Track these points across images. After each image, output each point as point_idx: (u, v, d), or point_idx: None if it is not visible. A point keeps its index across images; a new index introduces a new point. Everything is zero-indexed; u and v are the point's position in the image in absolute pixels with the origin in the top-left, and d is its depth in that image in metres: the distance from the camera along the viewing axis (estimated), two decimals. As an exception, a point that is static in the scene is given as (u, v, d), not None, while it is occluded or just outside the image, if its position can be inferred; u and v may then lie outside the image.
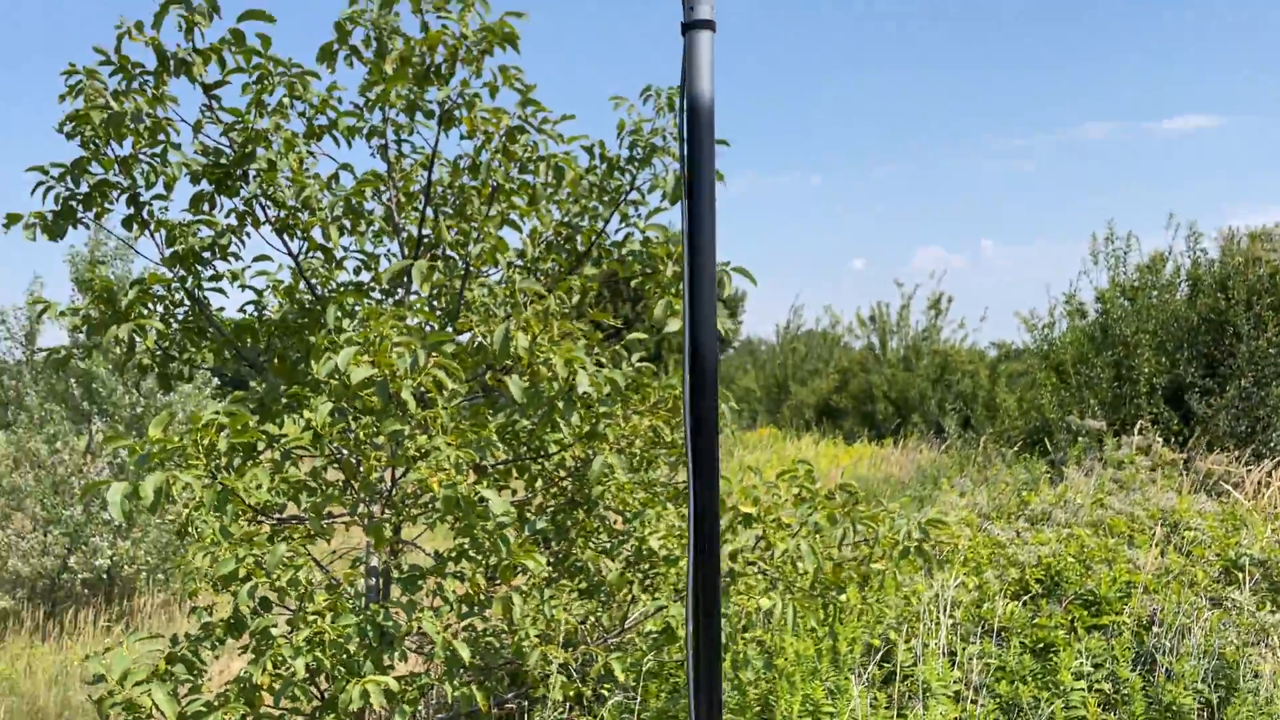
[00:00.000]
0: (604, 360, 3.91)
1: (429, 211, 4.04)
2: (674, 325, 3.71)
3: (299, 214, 3.92)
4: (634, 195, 4.24)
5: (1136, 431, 9.28)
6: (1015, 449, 11.52)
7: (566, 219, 4.34)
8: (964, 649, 4.13)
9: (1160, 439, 9.06)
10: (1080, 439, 10.18)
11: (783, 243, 50.81)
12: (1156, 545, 5.22)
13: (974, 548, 5.36)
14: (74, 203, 3.81)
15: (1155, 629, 4.28)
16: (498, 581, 3.54)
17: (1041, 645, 4.24)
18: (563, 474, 4.25)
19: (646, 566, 4.04)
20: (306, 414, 3.29)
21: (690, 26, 1.55)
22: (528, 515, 4.06)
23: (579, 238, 4.37)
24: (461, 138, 3.93)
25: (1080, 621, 4.44)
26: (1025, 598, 4.77)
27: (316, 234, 3.99)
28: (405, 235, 4.13)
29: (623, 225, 4.28)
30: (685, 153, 1.55)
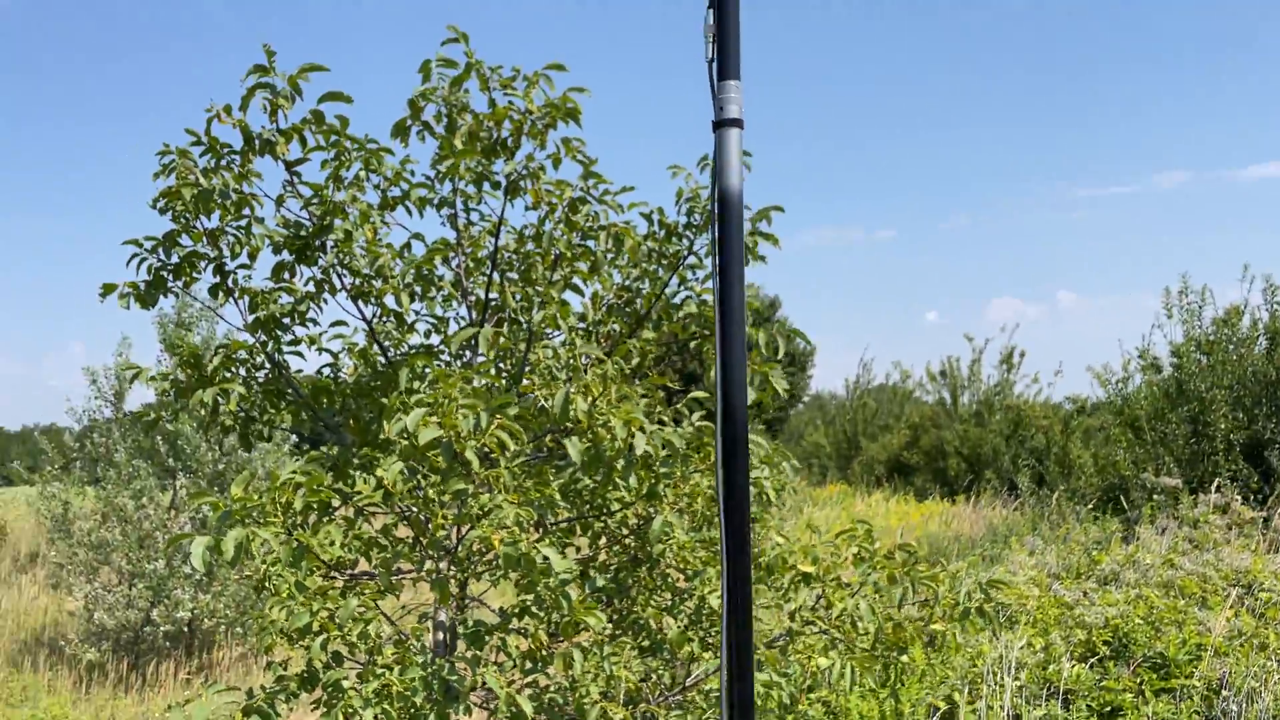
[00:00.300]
0: (665, 420, 4.00)
1: (495, 277, 4.21)
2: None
3: (373, 281, 4.10)
4: (691, 260, 4.35)
5: (1214, 489, 9.06)
6: (1090, 507, 11.29)
7: (627, 283, 4.47)
8: (1029, 711, 4.10)
9: (1239, 496, 8.83)
10: (1155, 497, 9.96)
11: (854, 296, 50.62)
12: (1230, 607, 5.11)
13: (1041, 608, 5.30)
14: (165, 273, 4.04)
15: (1224, 692, 4.19)
16: (560, 638, 3.62)
17: (1108, 708, 4.19)
18: (625, 532, 4.32)
19: (707, 624, 4.08)
20: (378, 472, 3.43)
21: (721, 124, 1.67)
22: (590, 572, 4.14)
23: (639, 301, 4.49)
24: (527, 208, 4.09)
25: (1148, 684, 4.37)
26: (1092, 660, 4.71)
27: (389, 300, 4.17)
28: (473, 299, 4.30)
29: (680, 288, 4.39)
30: (716, 238, 1.67)
